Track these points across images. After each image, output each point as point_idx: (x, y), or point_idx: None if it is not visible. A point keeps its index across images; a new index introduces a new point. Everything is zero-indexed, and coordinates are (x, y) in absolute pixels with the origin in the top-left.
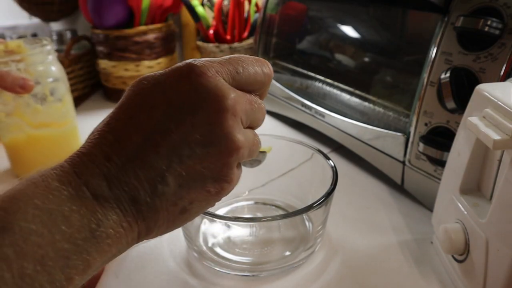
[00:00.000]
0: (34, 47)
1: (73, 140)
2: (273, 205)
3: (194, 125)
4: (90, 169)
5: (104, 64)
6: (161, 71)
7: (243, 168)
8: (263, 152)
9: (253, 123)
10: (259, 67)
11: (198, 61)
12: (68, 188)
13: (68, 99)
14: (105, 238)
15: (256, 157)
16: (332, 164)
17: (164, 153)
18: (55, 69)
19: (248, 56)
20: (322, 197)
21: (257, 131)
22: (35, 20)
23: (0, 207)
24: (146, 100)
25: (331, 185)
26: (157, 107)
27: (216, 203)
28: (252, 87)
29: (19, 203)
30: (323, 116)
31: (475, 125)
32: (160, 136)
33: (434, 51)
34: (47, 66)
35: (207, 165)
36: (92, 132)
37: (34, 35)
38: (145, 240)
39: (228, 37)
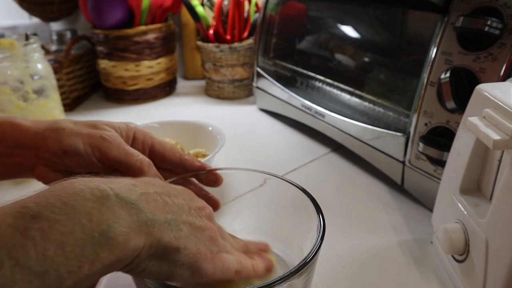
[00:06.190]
0: (22, 45)
1: None
2: None
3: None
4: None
5: (104, 64)
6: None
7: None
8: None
9: None
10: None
11: None
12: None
13: (55, 95)
14: (118, 234)
15: None
16: (321, 221)
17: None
18: (41, 66)
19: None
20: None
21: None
22: (35, 20)
23: (33, 202)
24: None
25: (314, 246)
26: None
27: None
28: None
29: (49, 199)
30: (323, 116)
31: (475, 125)
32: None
33: (434, 51)
34: (33, 64)
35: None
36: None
37: (34, 35)
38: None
39: (228, 37)
